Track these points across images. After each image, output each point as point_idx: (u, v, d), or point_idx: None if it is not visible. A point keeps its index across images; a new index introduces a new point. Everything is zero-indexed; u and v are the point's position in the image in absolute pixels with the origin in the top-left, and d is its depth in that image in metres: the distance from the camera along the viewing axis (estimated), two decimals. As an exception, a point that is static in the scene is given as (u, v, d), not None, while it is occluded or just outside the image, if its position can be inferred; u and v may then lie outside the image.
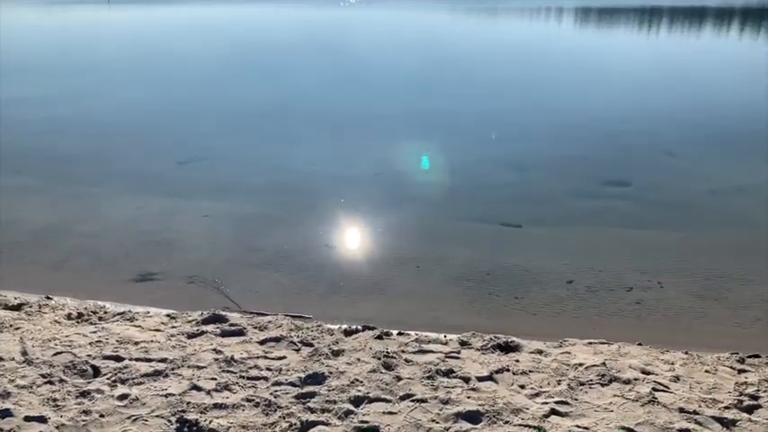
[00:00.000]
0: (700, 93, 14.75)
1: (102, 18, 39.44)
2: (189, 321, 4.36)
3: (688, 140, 10.25)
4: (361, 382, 3.42)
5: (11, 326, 4.07)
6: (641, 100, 13.74)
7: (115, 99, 13.50)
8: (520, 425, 3.04)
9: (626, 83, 16.21)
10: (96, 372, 3.47)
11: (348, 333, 4.24)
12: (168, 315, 4.56)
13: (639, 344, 4.25)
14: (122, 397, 3.16)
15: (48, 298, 4.94)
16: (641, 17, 41.09)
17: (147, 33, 30.37)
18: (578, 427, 3.02)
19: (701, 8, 50.24)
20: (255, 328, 4.23)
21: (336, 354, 3.79)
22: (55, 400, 3.13)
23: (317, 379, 3.45)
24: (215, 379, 3.40)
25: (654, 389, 3.38)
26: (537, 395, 3.35)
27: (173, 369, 3.50)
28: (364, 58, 21.31)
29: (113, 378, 3.37)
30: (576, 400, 3.30)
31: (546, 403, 3.24)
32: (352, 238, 6.50)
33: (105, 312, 4.59)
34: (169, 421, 2.97)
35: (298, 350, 3.86)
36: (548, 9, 50.24)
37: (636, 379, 3.53)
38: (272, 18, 41.81)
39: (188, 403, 3.13)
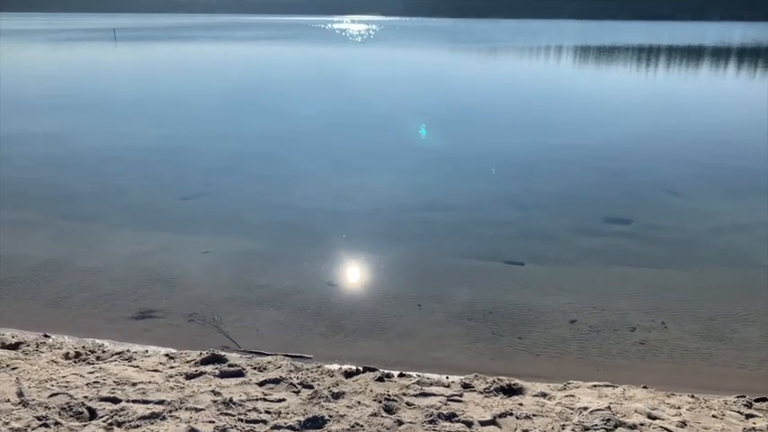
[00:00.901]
0: (700, 130, 14.90)
1: (108, 54, 40.17)
2: (188, 361, 4.31)
3: (689, 178, 10.30)
4: (362, 426, 3.35)
5: (7, 366, 4.02)
6: (641, 137, 13.87)
7: (118, 134, 13.63)
8: (524, 473, 2.97)
9: (626, 120, 16.39)
10: (92, 414, 3.41)
11: (348, 374, 4.18)
12: (167, 354, 4.50)
13: (645, 387, 4.18)
14: (118, 441, 3.10)
15: (45, 336, 4.89)
16: (639, 55, 41.79)
17: (150, 69, 30.88)
18: (584, 475, 2.95)
19: (698, 47, 51.14)
20: (255, 368, 4.17)
21: (337, 396, 3.73)
22: (49, 444, 3.06)
23: (317, 423, 3.39)
24: (213, 422, 3.34)
25: (661, 435, 3.31)
26: (541, 441, 3.27)
27: (170, 411, 3.44)
28: (365, 95, 21.61)
29: (110, 420, 3.31)
30: (582, 446, 3.22)
31: (550, 450, 3.16)
32: (353, 276, 6.47)
33: (103, 351, 4.53)
34: (165, 467, 2.90)
35: (297, 392, 3.80)
36: (547, 48, 51.15)
37: (642, 424, 3.46)
38: (275, 55, 42.57)
39: (185, 448, 3.06)
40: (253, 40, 62.15)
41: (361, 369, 4.25)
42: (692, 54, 42.95)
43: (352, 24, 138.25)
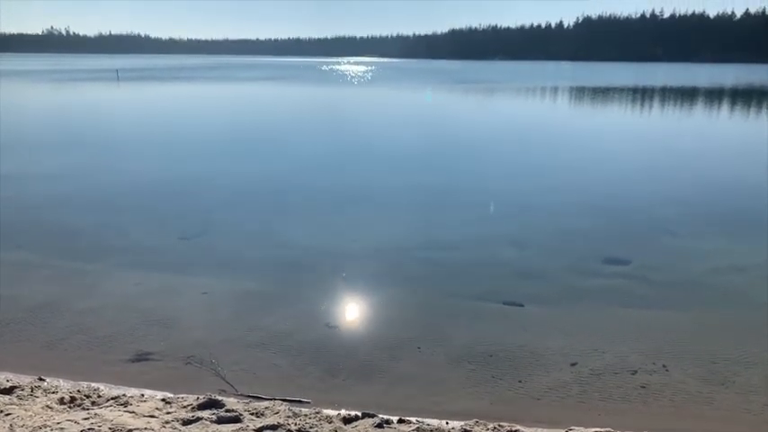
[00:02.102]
0: (695, 170, 15.07)
1: (110, 94, 40.78)
2: (184, 407, 4.25)
3: (686, 218, 10.37)
4: (361, 475, 3.29)
5: (1, 411, 3.96)
6: (638, 177, 14.01)
7: (118, 174, 13.74)
8: None
9: (622, 161, 16.59)
10: (86, 462, 3.35)
11: (347, 421, 4.12)
12: (163, 399, 4.44)
13: (647, 433, 4.13)
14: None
15: (40, 379, 4.83)
16: (634, 96, 42.54)
17: (152, 109, 31.32)
18: None
19: (691, 88, 52.13)
20: (252, 414, 4.12)
21: (335, 443, 3.67)
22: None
23: (315, 471, 3.32)
24: (209, 471, 3.28)
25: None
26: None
27: (165, 460, 3.38)
28: (364, 135, 21.89)
29: (104, 470, 3.25)
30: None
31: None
32: (352, 317, 6.44)
33: (99, 396, 4.48)
34: None
35: (295, 439, 3.74)
36: (542, 89, 52.10)
37: (646, 473, 3.40)
38: (275, 95, 43.26)
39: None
40: (253, 80, 63.25)
41: (360, 415, 4.20)
42: (686, 95, 43.76)
43: (351, 66, 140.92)
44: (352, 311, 6.59)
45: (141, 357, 5.42)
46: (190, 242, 8.88)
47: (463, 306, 6.68)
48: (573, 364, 5.33)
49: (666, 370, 5.24)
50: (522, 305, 6.69)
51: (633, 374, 5.16)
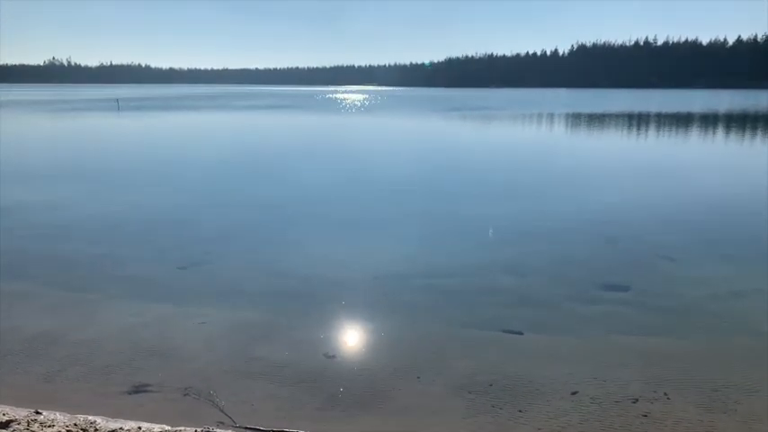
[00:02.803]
0: (692, 196, 15.16)
1: (109, 124, 41.10)
2: (182, 439, 4.21)
3: (684, 244, 10.39)
4: None
5: (-3, 445, 3.92)
6: (636, 204, 14.07)
7: (118, 203, 13.78)
8: None
9: (620, 187, 16.69)
10: (82, 498, 3.30)
11: (346, 452, 4.08)
12: (160, 432, 4.40)
13: (650, 463, 4.08)
14: None
15: (37, 413, 4.79)
16: (630, 122, 42.96)
17: (152, 138, 31.56)
18: None
19: (687, 114, 52.68)
20: (250, 446, 4.07)
21: (334, 476, 3.63)
22: None
23: (314, 505, 3.28)
24: (206, 506, 3.24)
25: None
26: None
27: (162, 494, 3.34)
28: (362, 163, 22.03)
29: (100, 505, 3.20)
30: None
31: None
32: (351, 346, 6.41)
33: (96, 429, 4.43)
34: None
35: (294, 472, 3.69)
36: (539, 115, 52.61)
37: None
38: (274, 124, 43.63)
39: None
40: (253, 109, 63.85)
41: (359, 446, 4.15)
42: (681, 121, 44.19)
43: (350, 94, 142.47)
44: (350, 340, 6.57)
45: (139, 389, 5.38)
46: (188, 272, 8.88)
47: (463, 334, 6.65)
48: (573, 393, 5.29)
49: (668, 398, 5.20)
50: (521, 333, 6.67)
51: (634, 403, 5.13)
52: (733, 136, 31.94)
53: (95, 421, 4.66)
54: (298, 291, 8.07)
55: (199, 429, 4.30)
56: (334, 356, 6.11)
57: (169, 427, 4.53)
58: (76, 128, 38.15)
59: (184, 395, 5.27)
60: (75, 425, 4.51)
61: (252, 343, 6.39)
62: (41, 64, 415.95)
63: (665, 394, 5.26)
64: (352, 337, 6.64)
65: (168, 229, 11.59)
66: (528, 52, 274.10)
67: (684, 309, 7.40)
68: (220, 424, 4.69)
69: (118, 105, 65.57)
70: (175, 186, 16.42)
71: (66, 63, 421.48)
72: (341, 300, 7.71)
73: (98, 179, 17.39)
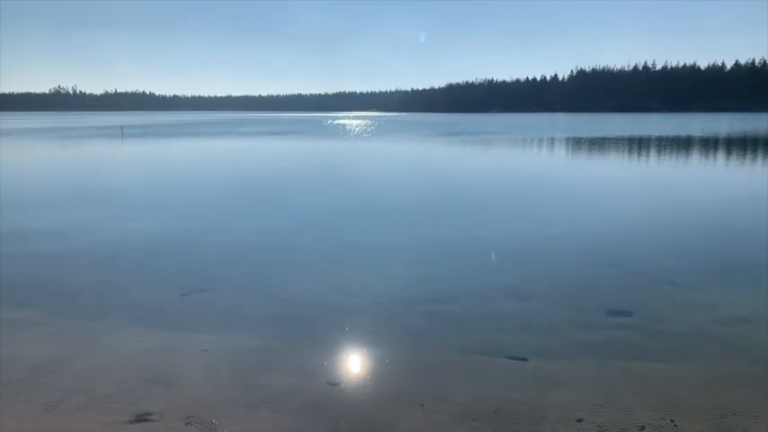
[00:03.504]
0: (694, 219, 15.16)
1: (113, 151, 41.43)
2: (184, 470, 4.17)
3: (687, 268, 10.37)
4: None
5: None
6: (637, 227, 14.09)
7: (121, 230, 13.83)
8: None
9: (621, 210, 16.72)
10: None
11: (350, 482, 4.03)
12: (162, 462, 4.36)
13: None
14: None
15: (38, 443, 4.75)
16: (630, 146, 43.18)
17: (155, 165, 31.79)
18: None
19: (686, 138, 52.96)
20: (253, 476, 4.03)
21: (338, 507, 3.58)
22: None
23: None
24: None
25: None
26: None
27: None
28: (363, 187, 22.13)
29: None
30: None
31: None
32: (353, 374, 6.37)
33: (97, 460, 4.39)
34: None
35: (297, 503, 3.65)
36: (540, 139, 52.93)
37: None
38: (276, 150, 43.93)
39: None
40: (255, 135, 64.37)
41: (363, 476, 4.11)
42: (681, 144, 44.41)
43: (351, 120, 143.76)
44: (353, 368, 6.53)
45: (141, 418, 5.34)
46: (191, 298, 8.88)
47: (466, 361, 6.61)
48: (579, 420, 5.24)
49: (675, 425, 5.15)
50: (525, 359, 6.64)
51: (641, 430, 5.07)
52: (733, 159, 32.05)
53: (97, 451, 4.62)
54: (300, 317, 8.05)
55: (201, 459, 4.25)
56: (337, 384, 6.07)
57: (171, 458, 4.49)
58: (80, 155, 38.49)
59: (186, 424, 5.23)
60: (77, 455, 4.47)
61: (254, 371, 6.36)
62: (47, 92, 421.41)
63: (672, 421, 5.20)
64: (354, 365, 6.60)
65: (171, 254, 11.62)
66: (528, 78, 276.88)
67: (689, 334, 7.36)
68: (222, 454, 4.64)
69: (122, 132, 66.20)
70: (178, 212, 16.49)
71: (71, 91, 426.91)
72: (343, 326, 7.69)
73: (101, 205, 17.47)
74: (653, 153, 36.95)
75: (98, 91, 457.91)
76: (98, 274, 10.13)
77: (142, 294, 9.07)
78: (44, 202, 18.31)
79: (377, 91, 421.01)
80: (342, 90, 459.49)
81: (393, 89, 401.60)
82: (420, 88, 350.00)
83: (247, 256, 11.52)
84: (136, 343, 7.11)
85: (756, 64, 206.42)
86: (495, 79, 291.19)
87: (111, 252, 11.73)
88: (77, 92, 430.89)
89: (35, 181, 24.20)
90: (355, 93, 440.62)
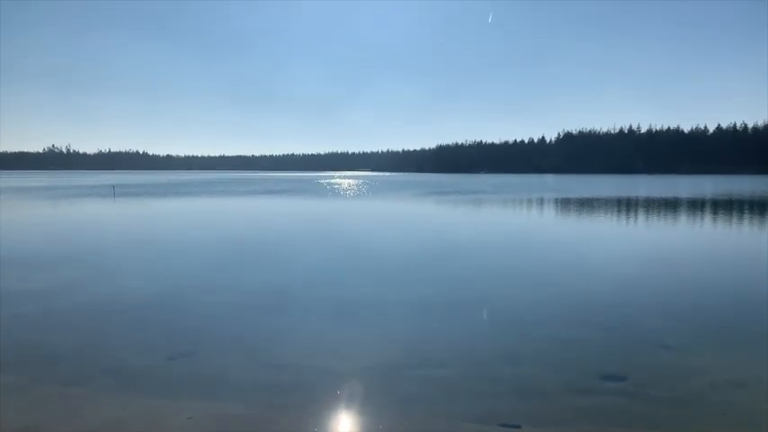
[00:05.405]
0: (684, 281, 15.21)
1: (103, 211, 41.38)
2: None
3: (679, 331, 10.33)
4: None
5: None
6: (627, 289, 14.10)
7: (107, 291, 13.64)
8: None
9: (611, 272, 16.77)
10: None
11: None
12: None
13: None
14: None
15: None
16: (619, 206, 43.80)
17: (146, 224, 31.72)
18: None
19: (674, 199, 53.88)
20: None
21: None
22: None
23: None
24: None
25: None
26: None
27: None
28: (355, 247, 22.10)
29: None
30: None
31: None
32: (344, 442, 6.19)
33: None
34: None
35: None
36: (528, 200, 53.62)
37: None
38: (268, 208, 44.11)
39: None
40: (248, 194, 64.75)
41: None
42: (669, 205, 45.10)
43: (344, 179, 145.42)
44: (343, 436, 6.35)
45: (120, 492, 5.12)
46: (177, 362, 8.68)
47: (459, 429, 6.46)
48: (575, 493, 5.08)
49: (673, 497, 5.00)
50: (519, 426, 6.49)
51: (639, 503, 4.92)
52: (721, 220, 32.51)
53: None
54: (288, 382, 7.87)
55: None
56: (325, 454, 5.88)
57: None
58: (70, 214, 38.39)
59: (168, 498, 5.01)
60: None
61: (240, 439, 6.16)
62: (41, 151, 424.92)
63: (671, 493, 5.06)
64: (344, 433, 6.42)
65: (158, 317, 11.43)
66: (516, 140, 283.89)
67: (684, 399, 7.26)
68: None
69: (113, 191, 66.42)
70: (166, 272, 16.34)
71: (65, 150, 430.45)
72: (333, 392, 7.52)
73: (88, 265, 17.29)
74: (641, 214, 37.44)
75: (92, 150, 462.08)
76: (83, 338, 9.92)
77: (127, 358, 8.86)
78: (29, 261, 18.10)
79: (369, 151, 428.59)
80: (335, 150, 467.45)
81: (384, 150, 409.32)
82: (411, 149, 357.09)
83: (236, 316, 11.36)
84: (119, 409, 6.90)
85: (738, 128, 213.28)
86: (484, 141, 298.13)
87: (96, 314, 11.53)
88: (71, 151, 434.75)
89: (20, 241, 23.99)
90: (348, 153, 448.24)
